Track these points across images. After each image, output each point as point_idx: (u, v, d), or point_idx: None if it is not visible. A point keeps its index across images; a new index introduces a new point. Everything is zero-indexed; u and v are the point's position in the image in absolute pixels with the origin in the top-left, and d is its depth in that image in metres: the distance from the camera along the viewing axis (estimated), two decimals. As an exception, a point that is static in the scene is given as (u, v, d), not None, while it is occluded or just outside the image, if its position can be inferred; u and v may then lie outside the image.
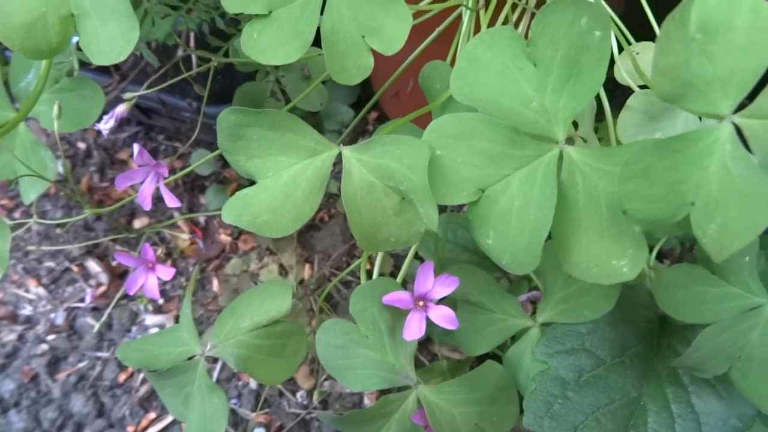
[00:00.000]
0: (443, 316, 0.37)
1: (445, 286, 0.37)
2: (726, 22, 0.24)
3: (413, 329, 0.36)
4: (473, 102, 0.30)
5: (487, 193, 0.30)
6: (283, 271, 0.73)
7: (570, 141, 0.31)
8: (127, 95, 0.44)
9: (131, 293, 0.46)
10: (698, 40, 0.24)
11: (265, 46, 0.32)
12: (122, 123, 0.87)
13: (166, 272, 0.45)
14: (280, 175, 0.32)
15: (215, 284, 0.73)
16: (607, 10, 0.29)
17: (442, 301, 0.38)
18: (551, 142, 0.30)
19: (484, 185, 0.30)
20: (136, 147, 0.39)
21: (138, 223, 0.79)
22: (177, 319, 0.71)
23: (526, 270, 0.29)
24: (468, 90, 0.31)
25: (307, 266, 0.74)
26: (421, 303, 0.38)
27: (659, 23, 0.33)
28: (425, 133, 0.31)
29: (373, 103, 0.49)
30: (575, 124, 0.36)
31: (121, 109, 0.44)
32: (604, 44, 0.30)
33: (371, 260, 0.72)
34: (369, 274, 0.45)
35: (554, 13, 0.29)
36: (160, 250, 0.76)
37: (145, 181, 0.41)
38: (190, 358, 0.44)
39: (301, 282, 0.72)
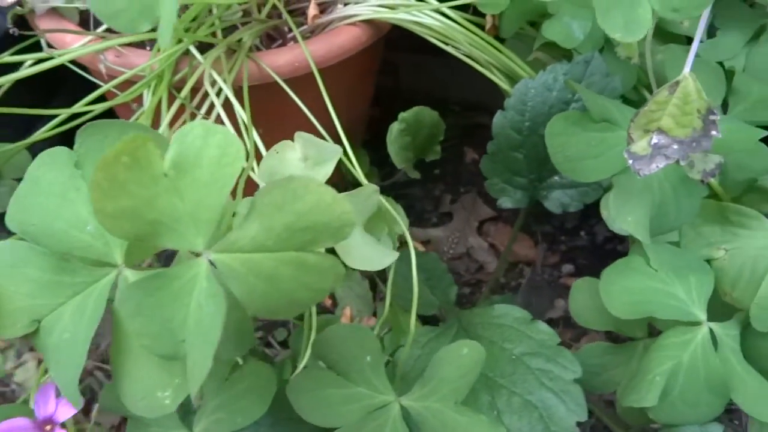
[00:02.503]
0: (60, 443, 0.34)
1: (69, 407, 0.35)
2: (196, 159, 0.24)
3: (25, 461, 0.34)
4: (25, 228, 0.29)
5: (43, 324, 0.29)
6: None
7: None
8: None
9: None
10: (171, 176, 0.24)
11: None
12: None
13: None
14: None
15: (-38, 388, 0.67)
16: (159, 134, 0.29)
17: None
18: (109, 266, 0.29)
19: (39, 316, 0.29)
20: None
21: None
22: None
23: (77, 407, 0.28)
24: (23, 215, 0.29)
25: (75, 358, 0.69)
26: (48, 427, 0.35)
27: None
28: (-19, 262, 0.29)
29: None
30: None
31: None
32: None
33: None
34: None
35: (96, 135, 0.29)
36: None
37: None
38: None
39: (61, 378, 0.67)
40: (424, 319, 0.70)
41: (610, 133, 0.40)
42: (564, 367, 0.42)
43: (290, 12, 0.60)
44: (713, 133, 0.34)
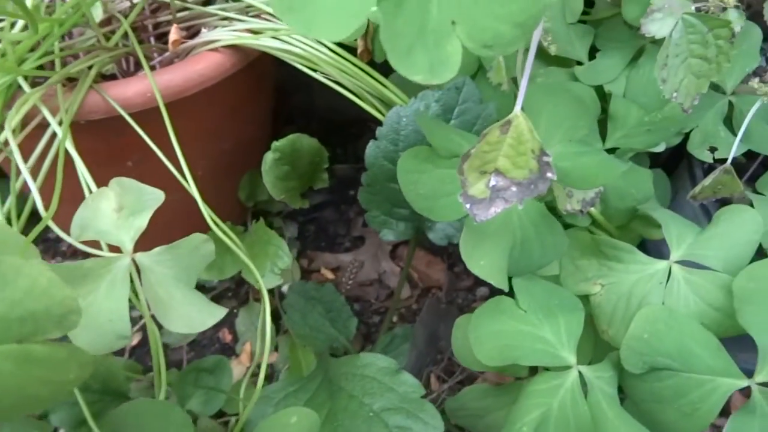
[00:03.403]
0: None
1: None
2: None
3: None
4: None
5: None
6: None
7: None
8: None
9: None
10: None
11: None
12: None
13: None
14: None
15: None
16: None
17: None
18: None
19: None
20: None
21: None
22: None
23: None
24: None
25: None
26: None
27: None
28: None
29: None
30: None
31: None
32: None
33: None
34: None
35: None
36: None
37: None
38: None
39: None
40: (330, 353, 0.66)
41: (462, 170, 0.37)
42: (425, 423, 0.39)
43: (159, 36, 0.56)
44: (549, 175, 0.31)
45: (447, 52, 0.27)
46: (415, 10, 0.26)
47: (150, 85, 0.46)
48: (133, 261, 0.32)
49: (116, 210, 0.33)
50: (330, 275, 0.77)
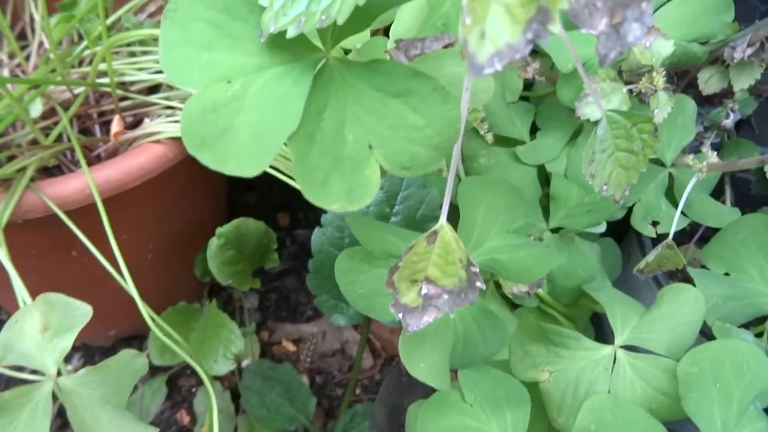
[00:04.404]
0: None
1: None
2: None
3: None
4: None
5: None
6: None
7: None
8: None
9: None
10: None
11: None
12: None
13: None
14: None
15: None
16: None
17: None
18: None
19: None
20: None
21: None
22: None
23: None
24: None
25: None
26: None
27: None
28: None
29: None
30: None
31: None
32: None
33: None
34: None
35: None
36: None
37: None
38: None
39: None
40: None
41: (398, 270, 0.37)
42: None
43: (105, 123, 0.56)
44: (477, 284, 0.31)
45: (366, 176, 0.27)
46: (330, 140, 0.26)
47: (87, 181, 0.46)
48: (57, 384, 0.31)
49: (41, 330, 0.32)
50: (291, 347, 0.76)
